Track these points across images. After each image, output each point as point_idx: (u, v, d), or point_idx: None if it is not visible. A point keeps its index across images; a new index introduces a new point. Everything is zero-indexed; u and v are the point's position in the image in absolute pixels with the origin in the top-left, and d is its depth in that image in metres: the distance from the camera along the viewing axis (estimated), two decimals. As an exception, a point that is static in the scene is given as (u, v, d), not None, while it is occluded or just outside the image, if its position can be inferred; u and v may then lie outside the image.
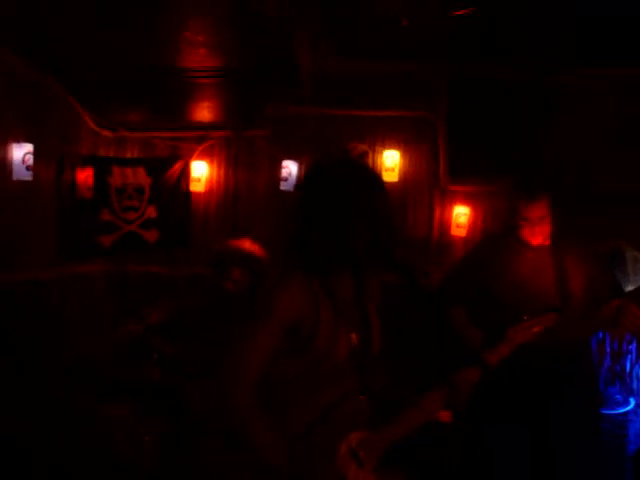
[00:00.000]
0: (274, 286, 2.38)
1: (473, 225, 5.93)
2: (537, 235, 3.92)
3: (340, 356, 2.42)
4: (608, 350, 5.29)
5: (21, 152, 4.69)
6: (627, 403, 5.17)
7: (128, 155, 6.17)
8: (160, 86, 5.19)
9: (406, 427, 2.55)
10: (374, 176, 2.47)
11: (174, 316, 4.84)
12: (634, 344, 5.24)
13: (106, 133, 6.02)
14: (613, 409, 5.06)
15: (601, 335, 5.15)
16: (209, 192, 6.22)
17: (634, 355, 5.28)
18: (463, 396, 2.58)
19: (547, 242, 3.96)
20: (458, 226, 5.92)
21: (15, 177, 4.75)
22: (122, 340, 4.85)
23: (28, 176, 4.76)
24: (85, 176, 5.52)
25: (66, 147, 5.43)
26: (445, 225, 6.04)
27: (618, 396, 5.17)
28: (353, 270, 2.50)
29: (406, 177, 6.03)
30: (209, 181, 6.21)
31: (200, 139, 6.19)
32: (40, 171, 5.04)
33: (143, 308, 4.98)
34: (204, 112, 6.00)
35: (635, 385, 5.24)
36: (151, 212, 6.06)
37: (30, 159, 4.72)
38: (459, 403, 2.61)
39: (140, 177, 5.97)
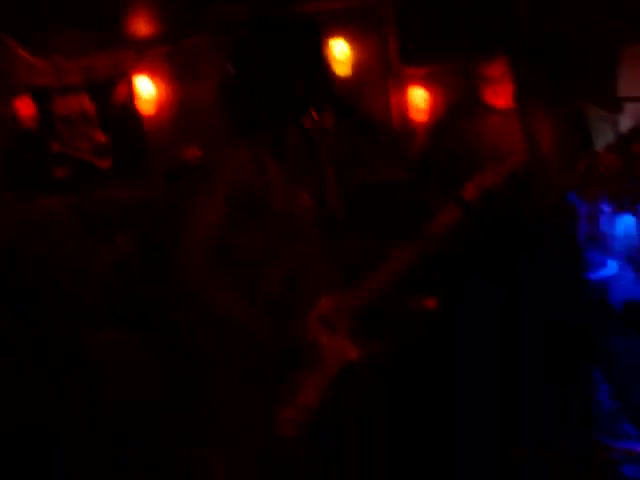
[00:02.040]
0: (215, 155, 2.40)
1: (434, 108, 5.80)
2: (500, 95, 3.85)
3: (299, 218, 2.40)
4: (583, 213, 5.23)
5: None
6: (608, 266, 5.13)
7: (69, 82, 5.89)
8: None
9: (378, 285, 2.48)
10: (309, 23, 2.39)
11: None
12: (607, 203, 5.20)
13: (42, 64, 5.74)
14: (594, 273, 5.01)
15: (574, 199, 5.09)
16: (158, 108, 6.02)
17: (608, 214, 5.24)
18: (438, 244, 2.53)
19: (512, 104, 3.89)
20: (418, 110, 5.80)
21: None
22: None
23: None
24: (25, 105, 5.30)
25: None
26: (403, 110, 5.92)
27: (598, 259, 5.13)
28: (298, 125, 2.43)
29: (358, 66, 5.87)
30: (157, 98, 6.00)
31: (142, 56, 5.95)
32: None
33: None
34: (142, 24, 5.73)
35: (615, 245, 5.21)
36: (101, 138, 5.75)
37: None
38: (434, 252, 2.55)
39: (85, 103, 5.67)
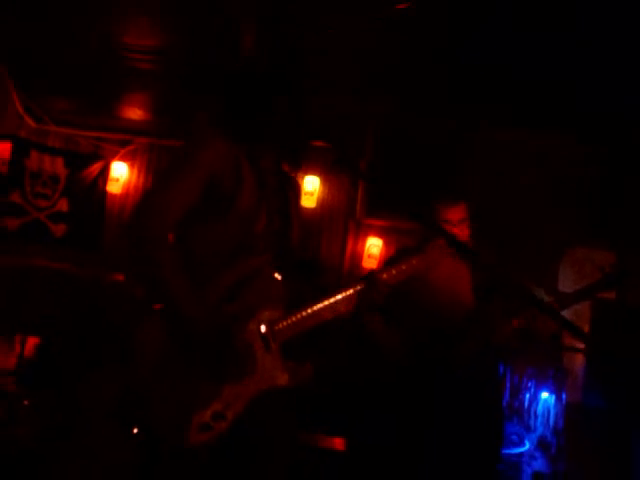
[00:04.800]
0: (197, 138, 2.43)
1: (385, 257, 6.00)
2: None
3: (259, 228, 2.47)
4: (508, 385, 5.32)
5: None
6: (522, 444, 5.14)
7: (49, 145, 6.05)
8: (93, 69, 5.14)
9: (319, 318, 2.53)
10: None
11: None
12: (533, 380, 5.31)
13: (30, 121, 5.92)
14: (508, 449, 5.00)
15: (502, 369, 5.18)
16: (125, 195, 6.15)
17: (532, 390, 5.33)
18: (378, 292, 2.62)
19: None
20: (370, 256, 6.00)
21: None
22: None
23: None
24: (1, 150, 5.39)
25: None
26: (357, 256, 6.11)
27: (514, 436, 5.14)
28: (277, 155, 2.61)
29: (324, 204, 6.14)
30: (127, 184, 6.16)
31: (124, 142, 6.19)
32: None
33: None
34: (132, 110, 5.94)
35: (532, 422, 5.26)
36: (62, 205, 5.92)
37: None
38: (371, 299, 2.62)
39: (58, 167, 5.86)
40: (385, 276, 2.67)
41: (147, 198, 2.38)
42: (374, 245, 6.06)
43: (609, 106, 4.98)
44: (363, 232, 6.16)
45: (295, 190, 2.76)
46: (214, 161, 2.36)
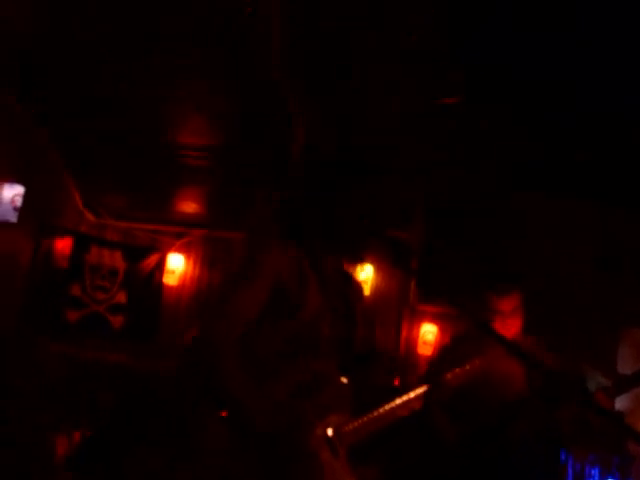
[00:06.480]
0: (260, 245, 2.46)
1: (440, 344, 5.96)
2: (509, 328, 3.96)
3: (324, 332, 2.45)
4: (570, 473, 5.17)
5: (11, 192, 4.74)
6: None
7: (107, 239, 6.24)
8: (149, 166, 5.34)
9: (385, 420, 2.53)
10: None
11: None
12: (596, 468, 5.15)
13: (89, 216, 6.14)
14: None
15: (564, 457, 5.06)
16: (181, 286, 6.26)
17: (597, 478, 5.16)
18: (443, 393, 2.72)
19: (518, 337, 4.02)
20: (425, 343, 5.98)
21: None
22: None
23: (13, 217, 4.79)
24: (63, 246, 5.58)
25: (51, 211, 5.52)
26: (412, 343, 6.09)
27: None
28: (338, 253, 2.60)
29: (377, 292, 6.14)
30: (183, 275, 6.27)
31: (180, 234, 6.33)
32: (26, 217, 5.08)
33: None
34: (186, 204, 6.13)
35: (596, 511, 5.09)
36: (121, 297, 6.06)
37: (19, 201, 4.77)
38: (438, 399, 2.66)
39: (116, 260, 6.03)
40: (450, 377, 2.72)
41: (217, 304, 2.39)
42: (429, 332, 6.04)
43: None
44: (417, 318, 6.16)
45: (356, 288, 2.76)
46: (278, 264, 2.36)
